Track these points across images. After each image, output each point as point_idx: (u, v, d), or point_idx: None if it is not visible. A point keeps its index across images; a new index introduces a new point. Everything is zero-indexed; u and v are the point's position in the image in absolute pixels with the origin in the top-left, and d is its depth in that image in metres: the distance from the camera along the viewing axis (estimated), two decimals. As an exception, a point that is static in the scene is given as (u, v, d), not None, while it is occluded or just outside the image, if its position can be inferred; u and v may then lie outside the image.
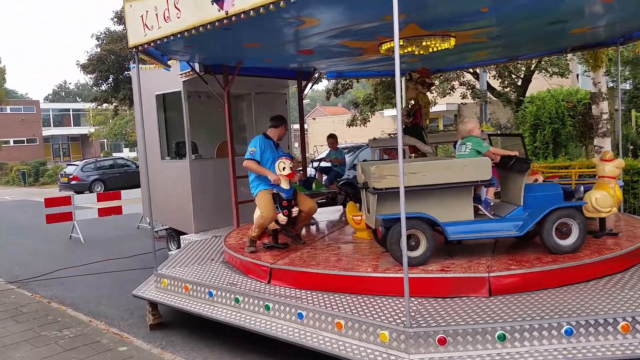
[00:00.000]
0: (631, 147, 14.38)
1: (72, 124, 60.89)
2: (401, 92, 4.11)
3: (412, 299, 4.50)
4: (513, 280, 4.64)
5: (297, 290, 5.10)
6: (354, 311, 4.41)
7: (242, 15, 4.76)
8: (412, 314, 4.17)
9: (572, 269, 4.80)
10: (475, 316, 4.11)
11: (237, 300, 5.23)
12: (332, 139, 9.39)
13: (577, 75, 27.00)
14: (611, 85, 22.85)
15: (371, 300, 4.65)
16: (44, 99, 74.78)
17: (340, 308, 4.51)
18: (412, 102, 7.97)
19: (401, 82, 7.23)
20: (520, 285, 4.63)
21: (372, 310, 4.41)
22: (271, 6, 4.49)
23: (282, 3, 4.40)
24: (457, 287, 4.65)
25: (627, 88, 25.00)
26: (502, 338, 3.89)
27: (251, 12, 4.67)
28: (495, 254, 5.26)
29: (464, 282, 4.66)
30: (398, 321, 4.10)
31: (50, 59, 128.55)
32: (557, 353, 3.80)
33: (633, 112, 18.38)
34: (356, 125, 21.11)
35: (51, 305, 7.14)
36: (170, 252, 8.80)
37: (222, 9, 4.91)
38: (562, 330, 3.90)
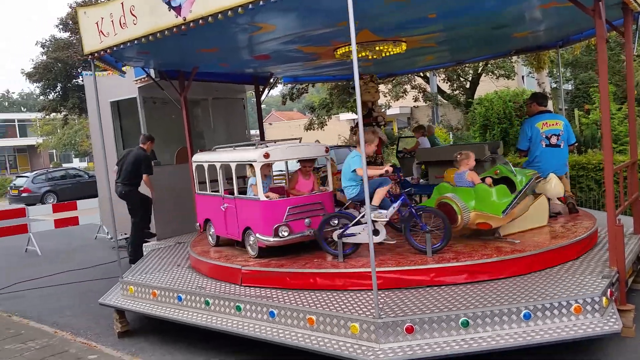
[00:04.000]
0: (575, 144, 15.06)
1: (17, 135, 58.65)
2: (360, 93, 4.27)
3: (380, 291, 4.67)
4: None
5: (268, 289, 5.20)
6: (324, 306, 4.55)
7: (200, 21, 4.84)
8: (380, 305, 4.33)
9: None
10: (440, 305, 4.32)
11: (207, 303, 5.28)
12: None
13: (523, 77, 28.11)
14: (554, 86, 23.88)
15: (340, 295, 4.81)
16: (-15, 110, 71.78)
17: (311, 304, 4.64)
18: (372, 104, 8.22)
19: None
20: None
21: (341, 304, 4.56)
22: (229, 12, 4.59)
23: (240, 9, 4.52)
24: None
25: (569, 89, 26.21)
26: (465, 324, 4.11)
27: (209, 18, 4.76)
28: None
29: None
30: (367, 313, 4.27)
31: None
32: (517, 336, 4.04)
33: (576, 111, 19.26)
34: (313, 129, 21.34)
35: (12, 318, 6.97)
36: (132, 261, 8.70)
37: (180, 15, 4.98)
38: (521, 315, 4.14)
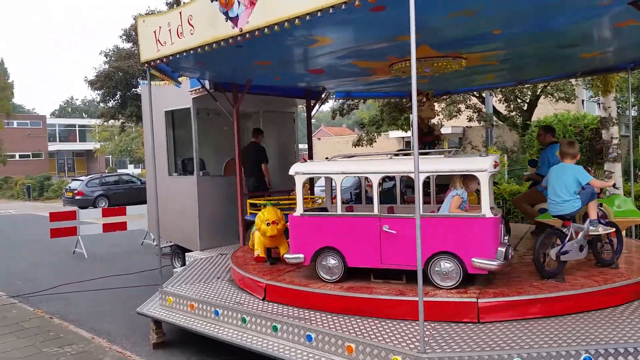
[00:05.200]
0: (639, 172, 14.28)
1: (77, 140, 61.17)
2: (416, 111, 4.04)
3: (425, 323, 4.39)
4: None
5: (307, 310, 4.99)
6: (365, 335, 4.31)
7: (257, 33, 4.74)
8: (426, 339, 4.05)
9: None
10: (491, 342, 4.00)
11: (244, 320, 5.12)
12: None
13: (583, 100, 27.05)
14: (618, 111, 22.74)
15: (382, 323, 4.54)
16: (51, 115, 75.31)
17: (351, 331, 4.40)
18: (428, 121, 7.96)
19: (410, 102, 7.12)
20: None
21: (384, 334, 4.30)
22: (286, 24, 4.48)
23: (297, 21, 4.39)
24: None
25: (634, 115, 25.01)
26: (518, 366, 3.78)
27: (265, 29, 4.66)
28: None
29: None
30: (411, 346, 4.00)
31: (57, 75, 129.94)
32: (575, 382, 3.69)
33: (640, 138, 18.33)
34: (362, 146, 21.10)
35: (53, 320, 7.06)
36: (175, 270, 8.70)
37: (236, 26, 4.91)
38: (581, 359, 3.79)
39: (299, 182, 5.47)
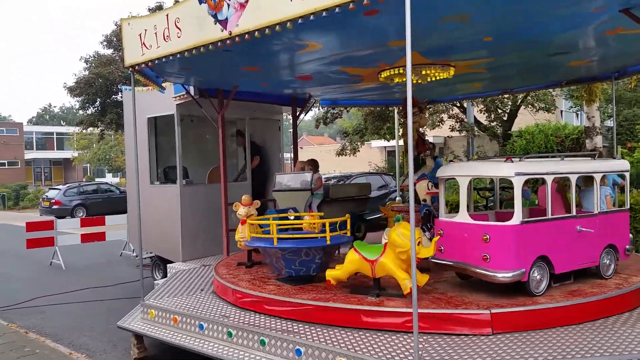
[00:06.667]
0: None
1: (55, 148, 60.12)
2: (408, 119, 3.94)
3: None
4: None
5: (295, 323, 4.83)
6: (357, 348, 4.16)
7: (247, 36, 4.63)
8: (420, 352, 3.93)
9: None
10: (486, 356, 3.89)
11: (230, 334, 4.94)
12: None
13: (561, 111, 27.43)
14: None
15: (374, 336, 4.41)
16: (28, 122, 74.01)
17: (342, 344, 4.26)
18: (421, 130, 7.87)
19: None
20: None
21: (375, 347, 4.17)
22: (277, 27, 4.37)
23: (288, 24, 4.29)
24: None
25: (610, 125, 25.41)
26: (516, 379, 3.68)
27: (256, 33, 4.55)
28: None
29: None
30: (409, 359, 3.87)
31: (35, 81, 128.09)
32: (575, 397, 3.60)
33: (619, 148, 18.57)
34: (346, 155, 21.05)
35: (29, 335, 6.77)
36: (156, 282, 8.46)
37: (225, 29, 4.79)
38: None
39: (519, 184, 4.68)
